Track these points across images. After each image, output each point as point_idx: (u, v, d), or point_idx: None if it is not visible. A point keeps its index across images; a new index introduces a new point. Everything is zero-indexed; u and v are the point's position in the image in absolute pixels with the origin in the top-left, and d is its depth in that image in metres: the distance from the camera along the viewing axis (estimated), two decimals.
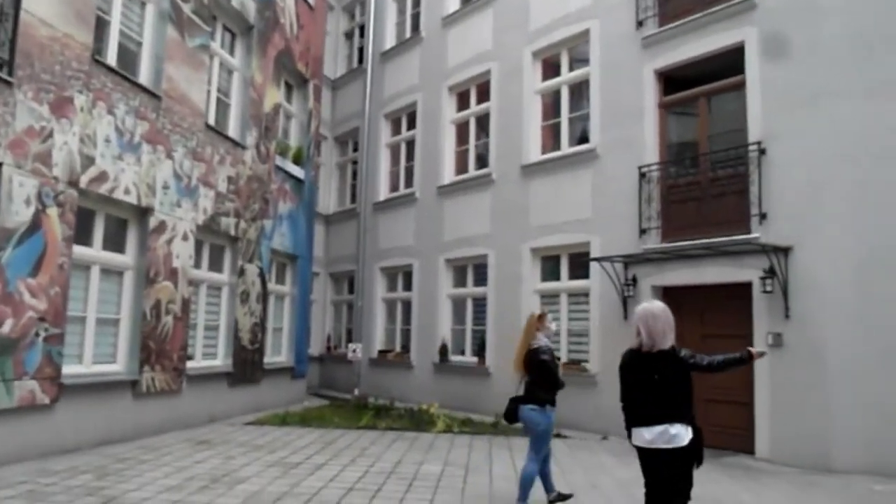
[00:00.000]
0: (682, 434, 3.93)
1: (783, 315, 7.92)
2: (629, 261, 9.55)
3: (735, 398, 8.40)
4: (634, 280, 9.54)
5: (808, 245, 7.84)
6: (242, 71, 11.25)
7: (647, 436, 4.02)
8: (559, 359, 5.27)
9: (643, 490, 4.19)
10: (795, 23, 8.24)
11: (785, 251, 7.95)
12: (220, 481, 6.27)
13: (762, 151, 8.31)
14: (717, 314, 8.81)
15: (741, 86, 8.76)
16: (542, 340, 5.52)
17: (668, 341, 4.07)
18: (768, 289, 7.97)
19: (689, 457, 3.99)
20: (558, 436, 9.44)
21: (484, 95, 12.80)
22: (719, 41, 8.99)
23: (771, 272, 7.92)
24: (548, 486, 5.71)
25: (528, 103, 11.75)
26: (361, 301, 14.21)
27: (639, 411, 4.12)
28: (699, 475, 4.16)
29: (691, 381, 4.08)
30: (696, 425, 4.02)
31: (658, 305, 4.25)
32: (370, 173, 14.93)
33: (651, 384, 4.06)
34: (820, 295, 7.68)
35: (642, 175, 9.58)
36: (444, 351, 12.71)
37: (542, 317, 5.69)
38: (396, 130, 15.10)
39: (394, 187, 14.96)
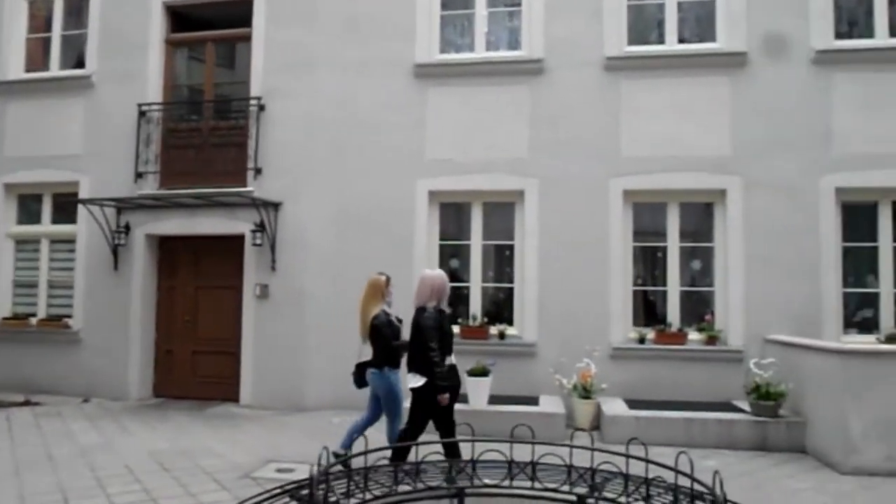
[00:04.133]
0: (412, 380, 4.96)
1: (270, 267, 8.29)
2: (122, 206, 8.75)
3: (223, 349, 8.57)
4: (128, 227, 8.79)
5: (297, 201, 8.34)
6: None
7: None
8: (400, 320, 5.47)
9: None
10: None
11: (276, 206, 8.31)
12: None
13: (262, 107, 8.47)
14: (212, 266, 8.78)
15: (248, 39, 8.75)
16: (382, 306, 5.52)
17: (420, 303, 5.08)
18: (258, 242, 8.21)
19: (419, 397, 4.95)
20: (27, 403, 8.27)
21: None
22: None
23: (261, 226, 8.18)
24: (345, 441, 5.55)
25: (12, 9, 9.68)
26: None
27: None
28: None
29: (426, 336, 4.87)
30: (428, 374, 4.85)
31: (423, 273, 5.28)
32: None
33: None
34: (304, 249, 8.26)
35: (142, 114, 8.82)
36: None
37: (388, 281, 5.65)
38: None
39: None
